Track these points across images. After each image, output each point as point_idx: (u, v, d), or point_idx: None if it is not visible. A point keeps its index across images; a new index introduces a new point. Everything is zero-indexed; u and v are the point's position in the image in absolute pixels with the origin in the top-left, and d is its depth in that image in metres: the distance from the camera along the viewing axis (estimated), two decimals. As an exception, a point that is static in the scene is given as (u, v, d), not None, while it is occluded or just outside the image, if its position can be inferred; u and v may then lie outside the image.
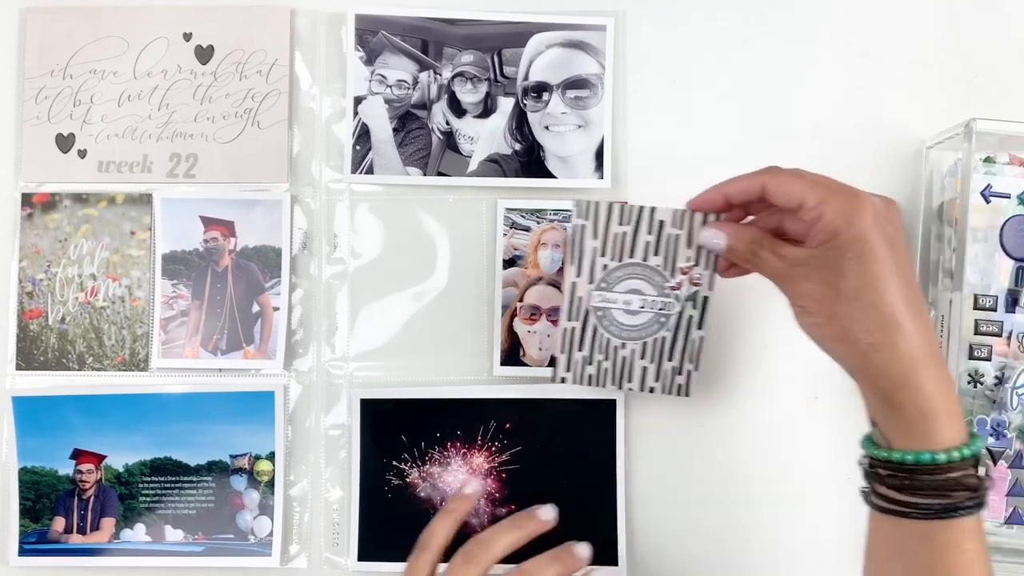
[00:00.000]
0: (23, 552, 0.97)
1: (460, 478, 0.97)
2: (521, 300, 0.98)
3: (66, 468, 0.97)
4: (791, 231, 0.79)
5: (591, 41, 1.00)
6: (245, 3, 1.00)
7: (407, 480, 0.97)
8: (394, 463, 0.97)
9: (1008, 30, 1.01)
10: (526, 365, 0.98)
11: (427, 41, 1.00)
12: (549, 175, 0.99)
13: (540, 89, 1.00)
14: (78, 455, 0.97)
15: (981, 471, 0.70)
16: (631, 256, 0.88)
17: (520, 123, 1.00)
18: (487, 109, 1.00)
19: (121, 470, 0.97)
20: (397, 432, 0.97)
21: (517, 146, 1.00)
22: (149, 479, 0.97)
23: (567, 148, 1.00)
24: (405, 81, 0.99)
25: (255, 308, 0.98)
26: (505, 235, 0.98)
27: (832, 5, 1.01)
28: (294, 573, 0.98)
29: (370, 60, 0.99)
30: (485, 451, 0.97)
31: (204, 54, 0.99)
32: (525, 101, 1.00)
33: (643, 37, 1.00)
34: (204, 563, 0.97)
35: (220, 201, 0.98)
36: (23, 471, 0.97)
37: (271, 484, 0.97)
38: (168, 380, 0.98)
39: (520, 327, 0.98)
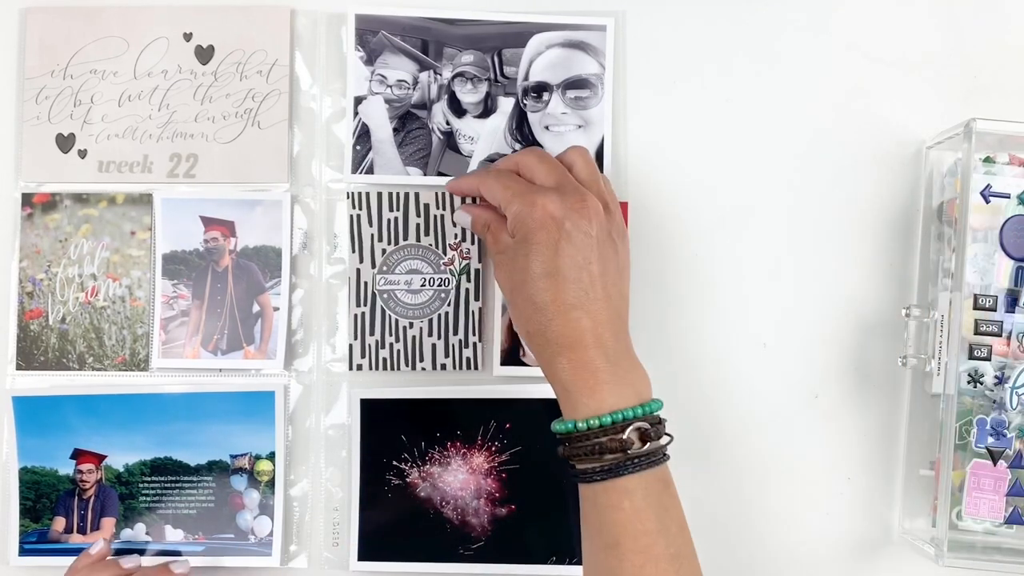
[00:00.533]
0: (23, 552, 0.97)
1: (460, 478, 0.97)
2: (521, 300, 0.98)
3: (66, 468, 0.97)
4: None
5: (591, 41, 1.00)
6: (245, 3, 1.00)
7: (407, 480, 0.97)
8: (394, 463, 0.97)
9: (1008, 30, 1.01)
10: (526, 365, 0.98)
11: (427, 41, 0.99)
12: (549, 175, 0.99)
13: (540, 89, 1.00)
14: (78, 455, 0.97)
15: (631, 435, 0.78)
16: (405, 239, 0.97)
17: (520, 123, 1.00)
18: (487, 109, 1.00)
19: (121, 470, 0.97)
20: (397, 432, 0.97)
21: (517, 146, 1.00)
22: (149, 479, 0.97)
23: (567, 148, 0.99)
24: (405, 81, 0.99)
25: (255, 308, 0.98)
26: (505, 234, 0.98)
27: (832, 5, 1.01)
28: (294, 573, 0.98)
29: (370, 60, 0.99)
30: (485, 451, 0.97)
31: (204, 54, 0.99)
32: (525, 101, 1.00)
33: (643, 37, 1.00)
34: (204, 563, 0.97)
35: (220, 201, 0.98)
36: (23, 471, 0.97)
37: (271, 484, 0.97)
38: (168, 380, 0.98)
39: (520, 327, 0.98)
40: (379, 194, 0.98)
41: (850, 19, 1.01)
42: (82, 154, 0.98)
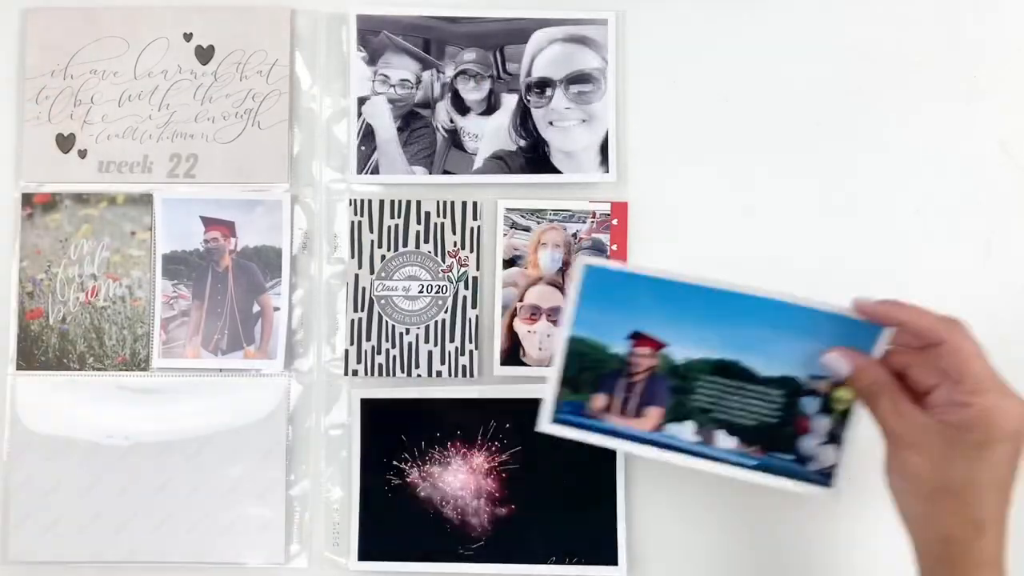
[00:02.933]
0: (555, 421, 0.90)
1: (460, 478, 0.96)
2: (521, 300, 0.98)
3: (619, 347, 0.90)
4: (918, 381, 0.79)
5: (593, 36, 0.99)
6: (245, 3, 1.00)
7: (407, 480, 0.97)
8: (394, 463, 0.97)
9: (1008, 30, 1.00)
10: (526, 365, 0.97)
11: (429, 40, 0.99)
12: (554, 171, 0.99)
13: (543, 85, 0.99)
14: (637, 337, 0.90)
15: None
16: (405, 245, 0.97)
17: (524, 119, 0.99)
18: (491, 106, 1.00)
19: (680, 362, 0.89)
20: (397, 432, 0.97)
21: (522, 142, 0.99)
22: (710, 379, 0.89)
23: (571, 143, 0.99)
24: (408, 80, 0.99)
25: (255, 308, 0.98)
26: (505, 235, 0.98)
27: (833, 5, 1.00)
28: (294, 573, 0.98)
29: (372, 60, 0.99)
30: (485, 451, 0.97)
31: (204, 54, 0.99)
32: (528, 97, 0.99)
33: (645, 31, 1.00)
34: (755, 478, 0.89)
35: (220, 201, 0.98)
36: (573, 339, 0.90)
37: (845, 414, 0.88)
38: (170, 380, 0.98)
39: (520, 327, 0.98)
40: (381, 202, 0.98)
41: (850, 18, 1.00)
42: (82, 154, 0.98)
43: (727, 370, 0.88)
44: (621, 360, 0.88)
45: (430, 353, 0.97)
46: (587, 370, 0.89)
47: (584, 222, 0.98)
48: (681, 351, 0.88)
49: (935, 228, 0.98)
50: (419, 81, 0.99)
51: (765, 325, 0.87)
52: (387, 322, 0.97)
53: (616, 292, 0.87)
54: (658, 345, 0.88)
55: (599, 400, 0.89)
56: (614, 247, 0.98)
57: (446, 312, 0.98)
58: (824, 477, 0.88)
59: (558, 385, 0.89)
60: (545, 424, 0.89)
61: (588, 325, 0.88)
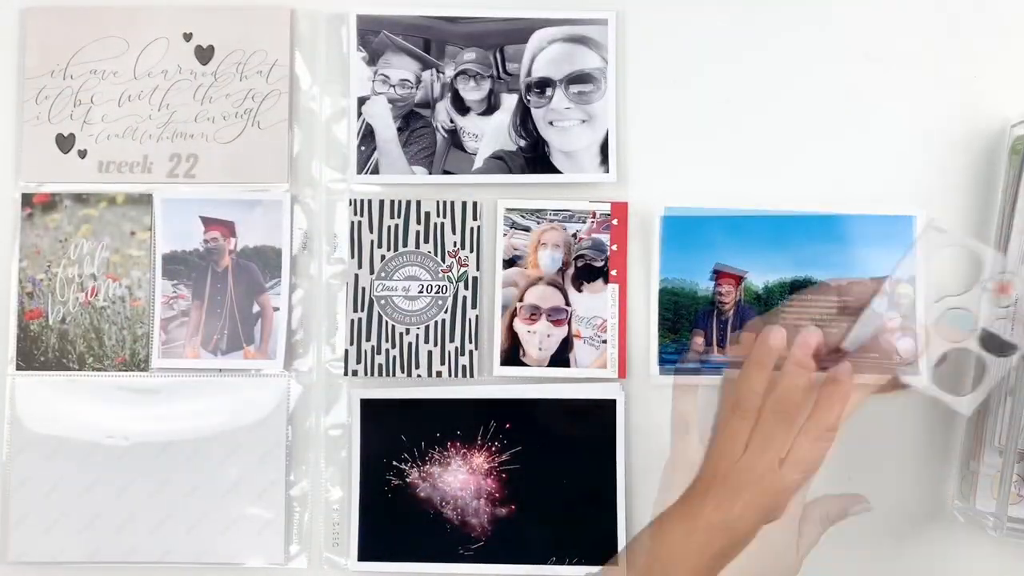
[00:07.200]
0: (663, 362, 0.96)
1: (460, 478, 0.97)
2: (521, 300, 0.98)
3: (706, 286, 0.96)
4: None
5: (593, 35, 0.99)
6: (245, 3, 1.00)
7: (407, 480, 0.97)
8: (394, 463, 0.97)
9: (1008, 31, 1.00)
10: (526, 365, 0.97)
11: (429, 40, 0.99)
12: (554, 171, 0.99)
13: (543, 85, 0.99)
14: (719, 273, 0.97)
15: None
16: (404, 245, 0.97)
17: (524, 119, 0.99)
18: (491, 106, 0.99)
19: (760, 289, 0.96)
20: (397, 432, 0.97)
21: (522, 142, 0.99)
22: (789, 298, 0.95)
23: (572, 143, 0.99)
24: (408, 80, 0.99)
25: (255, 308, 0.98)
26: (505, 235, 0.98)
27: (833, 4, 1.00)
28: (294, 573, 0.98)
29: (372, 60, 0.99)
30: (485, 451, 0.97)
31: (204, 54, 0.99)
32: (528, 97, 0.99)
33: (645, 31, 0.99)
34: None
35: (220, 201, 0.98)
36: (664, 284, 0.97)
37: (912, 306, 0.92)
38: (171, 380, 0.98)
39: (520, 327, 0.97)
40: (380, 202, 0.98)
41: (851, 18, 1.00)
42: (82, 154, 0.98)
43: (802, 287, 0.95)
44: (709, 300, 0.96)
45: (430, 353, 0.97)
46: (683, 308, 0.96)
47: (584, 222, 0.98)
48: (759, 278, 0.96)
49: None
50: (419, 81, 0.99)
51: (824, 240, 0.95)
52: (387, 322, 0.97)
53: (693, 234, 0.96)
54: (739, 278, 0.96)
55: (699, 336, 0.96)
56: (614, 247, 0.97)
57: (446, 312, 0.98)
58: (911, 368, 0.91)
59: (657, 334, 0.97)
60: (654, 372, 0.96)
61: (674, 269, 0.96)
